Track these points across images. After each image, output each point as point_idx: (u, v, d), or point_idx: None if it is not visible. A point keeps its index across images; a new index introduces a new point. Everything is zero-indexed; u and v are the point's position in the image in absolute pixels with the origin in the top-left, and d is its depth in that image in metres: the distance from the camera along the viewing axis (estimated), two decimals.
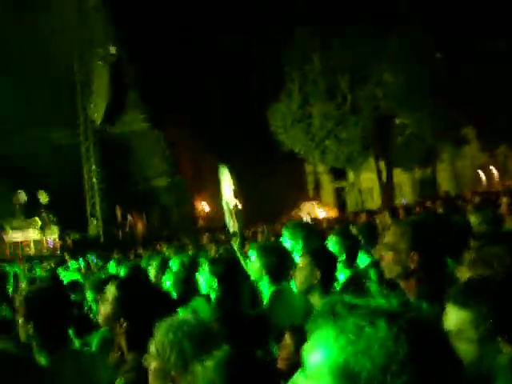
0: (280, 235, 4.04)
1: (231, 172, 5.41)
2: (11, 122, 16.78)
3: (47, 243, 16.30)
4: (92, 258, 6.40)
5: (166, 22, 17.22)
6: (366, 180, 24.47)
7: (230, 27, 17.57)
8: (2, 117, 16.57)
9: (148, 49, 17.12)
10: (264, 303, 3.10)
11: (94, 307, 3.57)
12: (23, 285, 4.77)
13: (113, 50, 16.90)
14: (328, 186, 27.90)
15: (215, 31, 17.78)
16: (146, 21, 17.16)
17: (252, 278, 3.26)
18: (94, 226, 17.20)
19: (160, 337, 1.64)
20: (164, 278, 3.95)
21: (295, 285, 2.78)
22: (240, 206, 5.48)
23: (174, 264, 4.16)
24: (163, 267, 4.35)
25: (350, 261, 3.51)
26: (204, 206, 20.32)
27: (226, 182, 5.59)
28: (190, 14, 17.79)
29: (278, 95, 19.55)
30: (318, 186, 28.28)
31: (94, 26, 17.01)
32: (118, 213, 17.51)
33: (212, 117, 18.78)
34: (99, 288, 3.67)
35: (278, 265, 3.10)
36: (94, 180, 17.31)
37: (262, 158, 19.59)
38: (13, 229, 16.61)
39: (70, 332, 2.81)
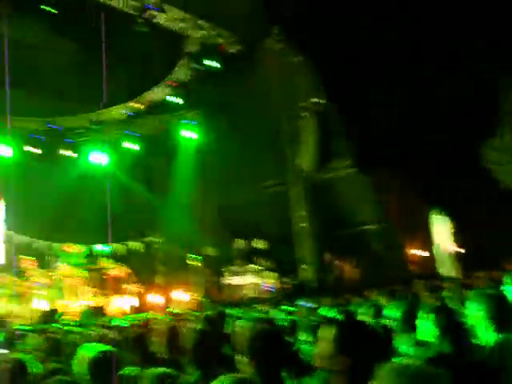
0: (502, 282, 3.75)
1: (446, 216, 5.13)
2: (230, 175, 18.42)
3: (263, 287, 17.23)
4: (304, 303, 6.55)
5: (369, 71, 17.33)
6: None
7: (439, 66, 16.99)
8: (223, 170, 18.40)
9: (353, 95, 17.39)
10: (484, 353, 2.86)
11: (304, 348, 3.63)
12: (242, 325, 5.06)
13: (318, 100, 17.64)
14: None
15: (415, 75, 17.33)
16: (350, 70, 17.51)
17: (470, 325, 3.04)
18: (306, 272, 17.65)
19: (383, 381, 1.60)
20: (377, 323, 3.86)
21: None
22: (455, 252, 5.14)
23: (391, 311, 4.05)
24: (376, 314, 4.27)
25: None
26: (416, 252, 19.46)
27: (439, 227, 5.32)
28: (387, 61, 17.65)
29: (493, 130, 18.09)
30: None
31: (299, 79, 18.00)
32: (328, 258, 17.73)
33: (421, 158, 18.08)
34: (311, 330, 3.73)
35: (501, 313, 2.86)
36: (304, 226, 17.92)
37: (478, 198, 18.13)
38: (232, 274, 18.02)
39: (285, 372, 2.88)
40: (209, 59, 16.60)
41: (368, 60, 17.17)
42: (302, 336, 3.70)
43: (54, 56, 18.67)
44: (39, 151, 17.75)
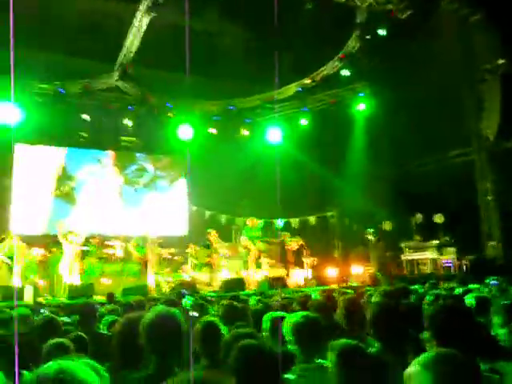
0: None
1: None
2: (406, 146, 17.76)
3: (443, 263, 16.44)
4: (495, 282, 6.11)
5: None
6: None
7: None
8: (398, 141, 17.80)
9: None
10: None
11: (499, 331, 3.39)
12: (427, 302, 4.90)
13: (500, 61, 16.08)
14: None
15: None
16: None
17: None
18: (492, 248, 16.42)
19: None
20: None
21: None
22: None
23: None
24: None
25: None
26: None
27: None
28: None
29: None
30: None
31: (479, 40, 16.54)
32: None
33: None
34: (504, 311, 3.46)
35: None
36: (490, 199, 16.61)
37: None
38: (410, 249, 17.47)
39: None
40: (378, 28, 15.99)
41: None
42: (495, 318, 3.44)
43: (229, 41, 19.64)
44: (220, 132, 18.91)
